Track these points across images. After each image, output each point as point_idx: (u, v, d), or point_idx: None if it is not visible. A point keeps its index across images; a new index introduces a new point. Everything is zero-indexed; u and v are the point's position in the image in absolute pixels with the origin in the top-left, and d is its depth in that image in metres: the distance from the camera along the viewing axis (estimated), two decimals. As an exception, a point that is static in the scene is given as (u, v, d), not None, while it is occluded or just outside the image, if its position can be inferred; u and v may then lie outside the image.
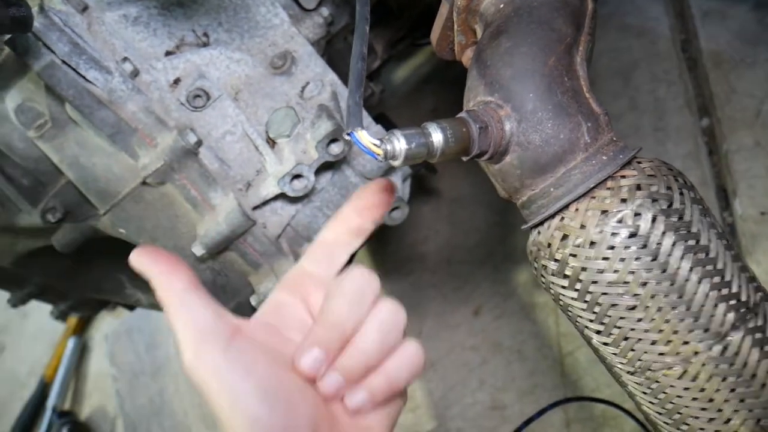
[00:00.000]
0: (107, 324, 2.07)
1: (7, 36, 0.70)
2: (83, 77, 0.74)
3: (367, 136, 0.49)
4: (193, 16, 0.86)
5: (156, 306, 1.20)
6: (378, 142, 0.50)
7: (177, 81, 0.82)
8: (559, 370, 1.19)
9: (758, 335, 0.52)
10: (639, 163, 0.54)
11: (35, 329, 2.27)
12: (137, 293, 1.17)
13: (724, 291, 0.51)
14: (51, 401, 1.97)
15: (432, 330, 1.37)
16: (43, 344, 2.20)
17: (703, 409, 0.52)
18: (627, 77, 1.46)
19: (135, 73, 0.78)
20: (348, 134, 0.50)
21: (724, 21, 1.38)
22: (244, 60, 0.86)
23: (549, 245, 0.54)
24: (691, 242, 0.51)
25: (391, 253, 1.49)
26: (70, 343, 2.05)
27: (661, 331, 0.51)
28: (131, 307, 1.28)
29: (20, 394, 2.12)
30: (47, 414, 1.95)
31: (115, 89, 0.76)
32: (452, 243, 1.43)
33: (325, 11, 0.93)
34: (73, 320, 2.08)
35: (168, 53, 0.83)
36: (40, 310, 2.25)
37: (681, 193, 0.53)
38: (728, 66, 1.35)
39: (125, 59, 0.77)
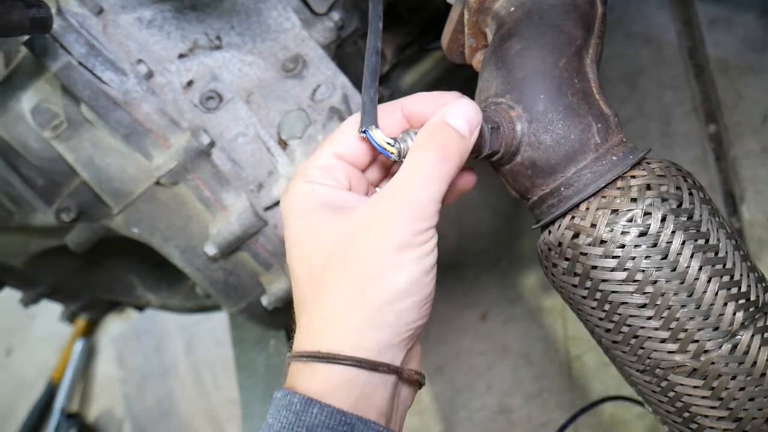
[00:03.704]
0: (115, 326, 2.08)
1: (26, 37, 0.71)
2: (99, 78, 0.75)
3: (381, 135, 0.50)
4: (206, 19, 0.87)
5: (166, 306, 1.21)
6: (392, 141, 0.50)
7: (190, 83, 0.83)
8: (566, 374, 1.19)
9: (767, 334, 0.52)
10: (648, 163, 0.55)
11: (43, 331, 2.28)
12: (147, 294, 1.18)
13: (734, 290, 0.52)
14: (58, 403, 1.98)
15: (439, 334, 1.37)
16: (50, 346, 2.21)
17: (713, 407, 0.53)
18: (634, 83, 1.47)
19: (149, 75, 0.79)
20: (363, 132, 0.51)
21: (731, 28, 1.39)
22: (255, 63, 0.87)
23: (560, 244, 0.55)
24: (701, 241, 0.52)
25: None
26: (78, 346, 2.06)
27: (670, 329, 0.52)
28: (141, 308, 1.29)
29: (28, 396, 2.13)
30: (55, 416, 1.96)
31: (130, 90, 0.77)
32: (460, 248, 1.43)
33: (335, 15, 0.94)
34: (80, 322, 2.09)
35: (181, 56, 0.85)
36: (47, 313, 2.27)
37: (690, 193, 0.53)
38: (735, 73, 1.35)
39: (140, 61, 0.78)
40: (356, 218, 0.46)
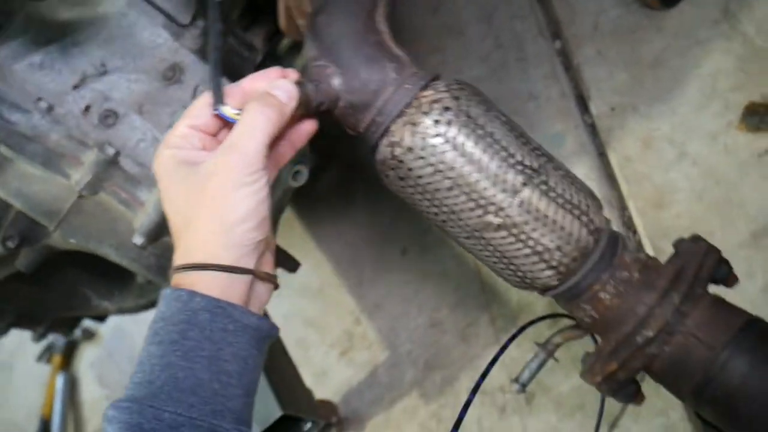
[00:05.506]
0: (90, 353, 2.21)
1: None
2: (8, 121, 0.89)
3: (229, 110, 0.67)
4: (89, 51, 1.01)
5: (123, 309, 1.36)
6: (238, 112, 0.67)
7: (87, 108, 0.97)
8: (478, 279, 1.39)
9: (544, 187, 0.71)
10: (435, 84, 0.73)
11: (23, 377, 2.39)
12: (103, 303, 1.32)
13: (511, 160, 0.70)
14: (54, 435, 2.11)
15: (371, 277, 1.56)
16: (34, 389, 2.32)
17: (519, 248, 0.72)
18: (489, 21, 1.65)
19: (50, 109, 0.93)
20: (215, 110, 0.67)
21: (556, -45, 1.58)
22: (140, 79, 1.02)
23: (385, 159, 0.73)
24: (480, 131, 0.70)
25: (323, 219, 1.68)
26: (60, 380, 2.18)
27: (473, 199, 0.70)
28: (102, 318, 1.43)
29: (24, 437, 2.25)
30: (53, 448, 2.09)
31: (37, 125, 0.92)
32: (371, 199, 1.61)
33: (200, 23, 1.09)
34: (57, 358, 2.21)
35: (75, 87, 0.99)
36: (23, 359, 2.39)
37: (468, 99, 0.72)
38: (566, -10, 1.55)
39: (39, 99, 0.92)
40: (205, 168, 0.63)
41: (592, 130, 1.41)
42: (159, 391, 0.57)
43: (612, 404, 1.13)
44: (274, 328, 0.65)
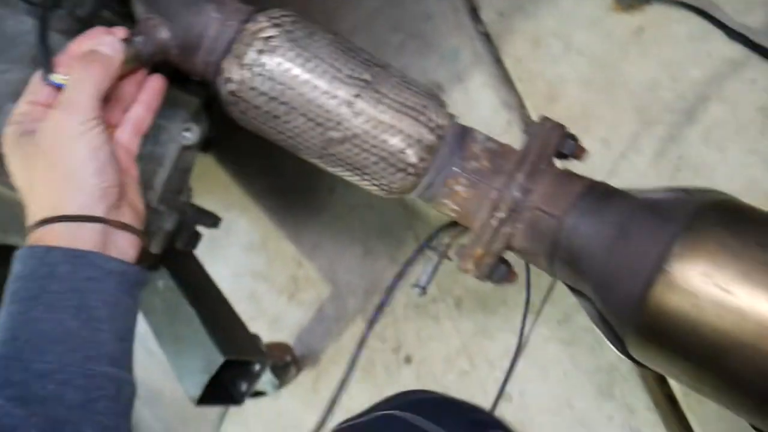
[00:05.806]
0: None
1: None
2: None
3: (58, 77, 0.69)
4: (-47, 52, 1.03)
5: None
6: (68, 77, 0.70)
7: (-37, 109, 0.99)
8: (400, 205, 1.44)
9: (377, 95, 0.74)
10: (257, 16, 0.75)
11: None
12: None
13: (341, 75, 0.73)
14: None
15: (305, 221, 1.60)
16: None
17: (367, 158, 0.75)
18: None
19: None
20: (47, 80, 0.70)
21: None
22: (11, 69, 1.03)
23: (224, 98, 0.76)
24: (307, 54, 0.73)
25: (255, 177, 1.71)
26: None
27: (312, 119, 0.74)
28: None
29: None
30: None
31: None
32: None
33: (66, 5, 1.10)
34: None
35: (-54, 93, 1.01)
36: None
37: (291, 25, 0.74)
38: None
39: None
40: (40, 131, 0.65)
41: (486, 38, 1.43)
42: (25, 346, 0.58)
43: (533, 294, 1.20)
44: (144, 274, 0.67)
